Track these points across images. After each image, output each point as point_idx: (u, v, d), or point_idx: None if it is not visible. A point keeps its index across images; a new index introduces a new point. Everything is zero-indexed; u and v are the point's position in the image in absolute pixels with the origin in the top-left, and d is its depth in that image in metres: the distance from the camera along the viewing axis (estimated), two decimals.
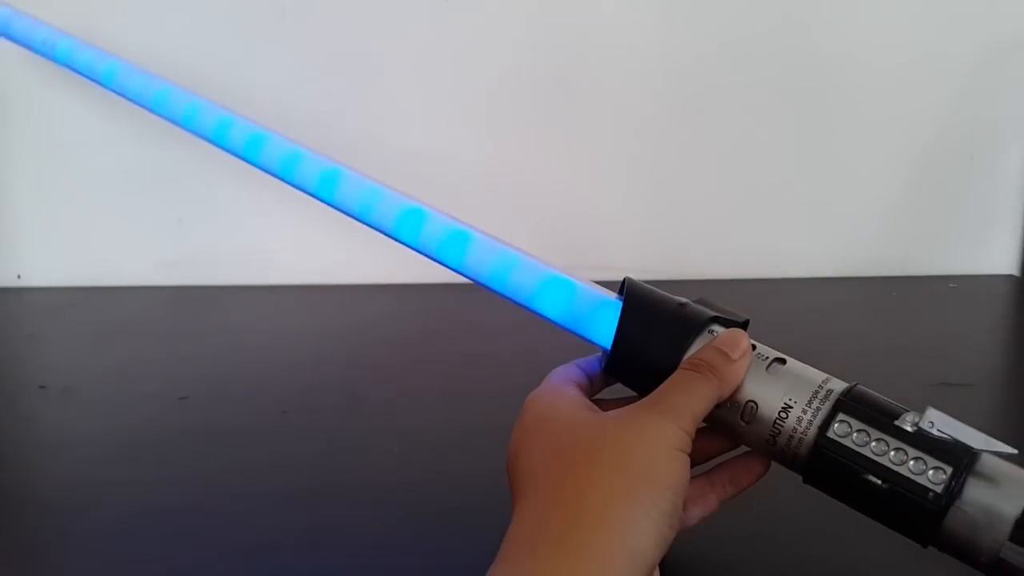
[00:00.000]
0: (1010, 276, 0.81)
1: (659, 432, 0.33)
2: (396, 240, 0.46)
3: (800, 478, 0.36)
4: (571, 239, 0.80)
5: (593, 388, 0.40)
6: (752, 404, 0.36)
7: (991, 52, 0.76)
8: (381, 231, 0.47)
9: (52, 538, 0.44)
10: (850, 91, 0.77)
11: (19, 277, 0.83)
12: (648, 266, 0.80)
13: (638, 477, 0.32)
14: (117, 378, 0.64)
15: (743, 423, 0.36)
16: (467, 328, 0.73)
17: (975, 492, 0.32)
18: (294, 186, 0.50)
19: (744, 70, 0.77)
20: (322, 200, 0.49)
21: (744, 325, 0.39)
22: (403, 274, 0.80)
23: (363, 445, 0.54)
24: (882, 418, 0.34)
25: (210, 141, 0.56)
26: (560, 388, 0.39)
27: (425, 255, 0.45)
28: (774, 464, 0.38)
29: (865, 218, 0.80)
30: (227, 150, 0.55)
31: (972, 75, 0.77)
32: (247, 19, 0.76)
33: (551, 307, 0.42)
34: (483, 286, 0.44)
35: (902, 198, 0.80)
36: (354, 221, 0.72)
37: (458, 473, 0.50)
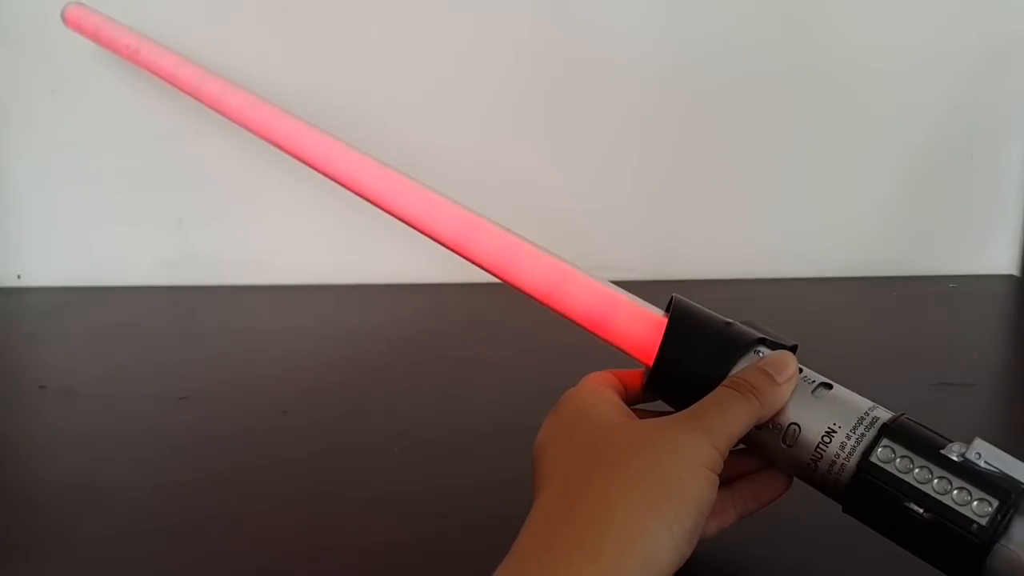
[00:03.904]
0: (1010, 276, 0.81)
1: (692, 448, 0.33)
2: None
3: (840, 507, 0.35)
4: (571, 238, 0.79)
5: (628, 400, 0.40)
6: (795, 427, 0.36)
7: (991, 52, 0.76)
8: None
9: (52, 538, 0.44)
10: (850, 91, 0.77)
11: (19, 277, 0.83)
12: (648, 266, 0.80)
13: (664, 490, 0.32)
14: (117, 378, 0.64)
15: (784, 446, 0.36)
16: (467, 328, 0.73)
17: None
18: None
19: (745, 70, 0.76)
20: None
21: (792, 349, 0.38)
22: (403, 275, 0.80)
23: (363, 445, 0.53)
24: (927, 446, 0.33)
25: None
26: (599, 389, 0.39)
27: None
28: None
29: (865, 218, 0.80)
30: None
31: (972, 75, 0.77)
32: (247, 17, 0.76)
33: (596, 321, 0.42)
34: (529, 296, 0.44)
35: (902, 198, 0.80)
36: (353, 222, 0.73)
37: (458, 473, 0.50)
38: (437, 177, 0.51)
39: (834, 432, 0.35)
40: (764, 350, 0.38)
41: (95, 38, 0.71)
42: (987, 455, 0.32)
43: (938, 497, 0.32)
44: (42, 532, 0.45)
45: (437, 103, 0.78)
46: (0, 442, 0.55)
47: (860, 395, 0.37)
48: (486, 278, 0.48)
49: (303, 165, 0.57)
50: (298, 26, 0.76)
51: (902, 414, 0.35)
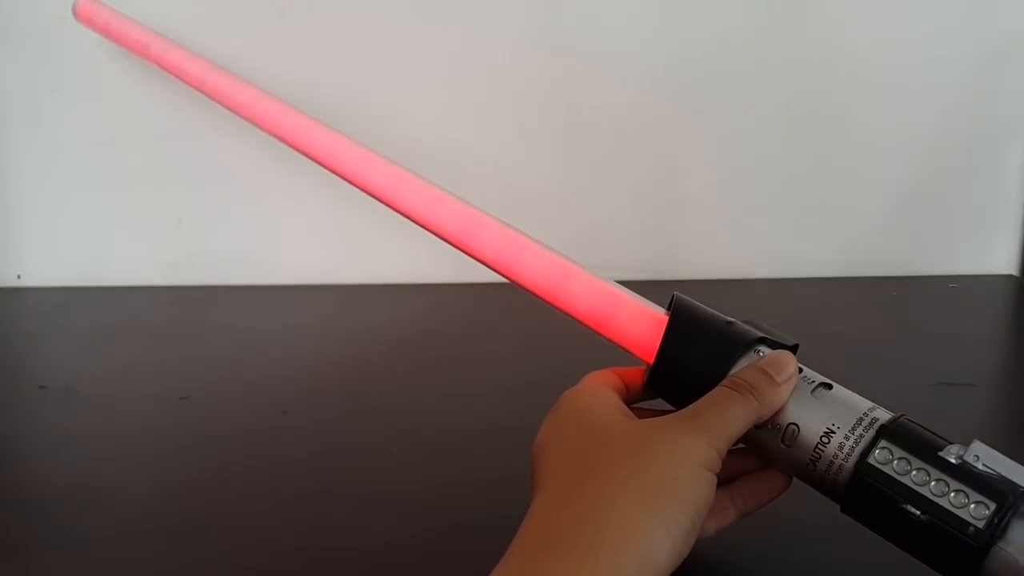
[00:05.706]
0: (1010, 276, 0.81)
1: (690, 448, 0.33)
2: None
3: (838, 507, 0.35)
4: (571, 238, 0.79)
5: (630, 398, 0.40)
6: (794, 427, 0.36)
7: (991, 52, 0.76)
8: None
9: (51, 538, 0.44)
10: (850, 91, 0.77)
11: (19, 277, 0.83)
12: (648, 266, 0.80)
13: (661, 490, 0.32)
14: (117, 378, 0.64)
15: (783, 446, 0.36)
16: (467, 328, 0.73)
17: (1022, 534, 0.31)
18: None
19: (745, 70, 0.76)
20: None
21: (794, 349, 0.38)
22: (403, 275, 0.80)
23: (363, 445, 0.53)
24: (925, 448, 0.33)
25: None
26: (598, 389, 0.38)
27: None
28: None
29: (865, 218, 0.80)
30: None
31: (972, 75, 0.77)
32: (245, 18, 0.76)
33: (598, 319, 0.42)
34: (531, 293, 0.44)
35: (902, 198, 0.80)
36: (353, 222, 0.73)
37: (458, 473, 0.50)
38: (436, 176, 0.51)
39: (833, 432, 0.35)
40: (764, 349, 0.38)
41: (106, 32, 0.71)
42: (985, 457, 0.32)
43: (935, 499, 0.32)
44: (42, 532, 0.45)
45: (435, 102, 0.77)
46: (0, 442, 0.56)
47: (860, 395, 0.37)
48: (486, 278, 0.48)
49: (303, 165, 0.57)
50: (297, 24, 0.76)
51: (901, 415, 0.35)
